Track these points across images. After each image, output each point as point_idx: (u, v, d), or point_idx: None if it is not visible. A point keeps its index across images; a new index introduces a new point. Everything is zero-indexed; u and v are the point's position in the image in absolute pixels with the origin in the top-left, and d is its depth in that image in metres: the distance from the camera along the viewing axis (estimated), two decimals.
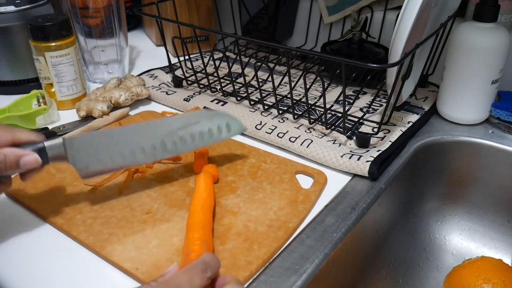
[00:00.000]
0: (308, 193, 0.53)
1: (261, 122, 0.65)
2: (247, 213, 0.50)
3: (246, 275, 0.42)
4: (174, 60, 0.83)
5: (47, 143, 0.45)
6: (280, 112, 0.68)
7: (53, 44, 0.69)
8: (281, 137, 0.62)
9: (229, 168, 0.57)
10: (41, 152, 0.45)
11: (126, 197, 0.53)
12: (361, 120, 0.66)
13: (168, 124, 0.51)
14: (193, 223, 0.44)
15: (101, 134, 0.49)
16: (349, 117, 0.66)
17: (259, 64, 0.81)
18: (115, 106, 0.71)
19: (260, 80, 0.78)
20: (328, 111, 0.68)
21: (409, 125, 0.65)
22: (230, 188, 0.54)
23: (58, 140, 0.46)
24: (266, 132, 0.63)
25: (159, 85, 0.78)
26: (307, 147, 0.60)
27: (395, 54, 0.53)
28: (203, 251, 0.41)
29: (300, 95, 0.73)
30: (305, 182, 0.56)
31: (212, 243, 0.44)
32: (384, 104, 0.70)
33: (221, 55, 0.87)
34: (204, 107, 0.70)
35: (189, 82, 0.78)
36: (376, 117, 0.67)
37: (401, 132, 0.63)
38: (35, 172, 0.45)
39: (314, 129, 0.64)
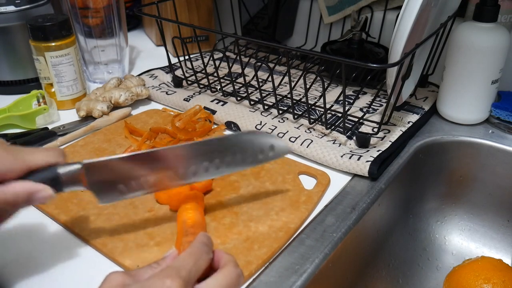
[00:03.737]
0: (311, 194, 0.53)
1: (261, 122, 0.65)
2: (248, 213, 0.50)
3: (245, 274, 0.42)
4: (174, 60, 0.83)
5: (62, 170, 0.39)
6: (280, 112, 0.68)
7: (53, 44, 0.69)
8: (281, 137, 0.62)
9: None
10: (56, 179, 0.39)
11: None
12: (361, 120, 0.66)
13: (201, 147, 0.44)
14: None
15: (126, 158, 0.42)
16: (349, 117, 0.66)
17: (259, 64, 0.81)
18: (115, 106, 0.71)
19: (260, 80, 0.78)
20: (328, 111, 0.68)
21: (409, 125, 0.65)
22: (232, 188, 0.54)
23: (76, 166, 0.40)
24: (266, 132, 0.63)
25: (159, 85, 0.78)
26: (307, 147, 0.60)
27: (395, 54, 0.53)
28: (197, 217, 0.41)
29: (300, 95, 0.73)
30: (308, 183, 0.55)
31: (204, 221, 0.45)
32: (384, 104, 0.70)
33: (221, 55, 0.87)
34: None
35: (189, 82, 0.78)
36: (376, 117, 0.67)
37: (401, 132, 0.63)
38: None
39: (314, 129, 0.64)
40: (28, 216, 0.50)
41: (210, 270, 0.37)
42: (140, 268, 0.36)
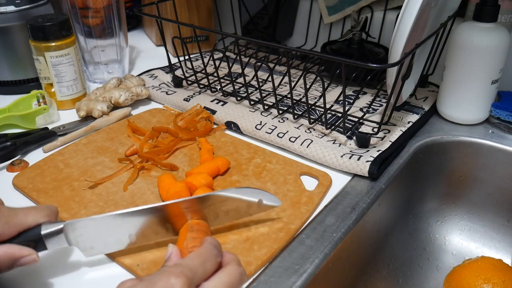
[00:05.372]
0: (312, 195, 0.53)
1: (261, 122, 0.65)
2: None
3: None
4: (174, 60, 0.83)
5: (45, 231, 0.40)
6: (280, 112, 0.68)
7: (53, 44, 0.69)
8: (281, 137, 0.62)
9: (234, 168, 0.57)
10: (40, 240, 0.40)
11: (131, 193, 0.53)
12: (361, 120, 0.66)
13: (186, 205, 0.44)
14: None
15: (107, 218, 0.42)
16: (349, 117, 0.66)
17: (259, 64, 0.81)
18: (115, 106, 0.71)
19: (260, 80, 0.78)
20: (328, 111, 0.68)
21: (409, 125, 0.65)
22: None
23: (58, 226, 0.40)
24: (266, 132, 0.63)
25: (159, 85, 0.79)
26: (307, 147, 0.60)
27: (395, 54, 0.53)
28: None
29: (300, 95, 0.73)
30: (309, 183, 0.55)
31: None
32: (384, 104, 0.70)
33: (221, 55, 0.87)
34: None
35: (189, 82, 0.78)
36: (376, 117, 0.67)
37: (401, 132, 0.63)
38: None
39: (314, 129, 0.64)
40: None
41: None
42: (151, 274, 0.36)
